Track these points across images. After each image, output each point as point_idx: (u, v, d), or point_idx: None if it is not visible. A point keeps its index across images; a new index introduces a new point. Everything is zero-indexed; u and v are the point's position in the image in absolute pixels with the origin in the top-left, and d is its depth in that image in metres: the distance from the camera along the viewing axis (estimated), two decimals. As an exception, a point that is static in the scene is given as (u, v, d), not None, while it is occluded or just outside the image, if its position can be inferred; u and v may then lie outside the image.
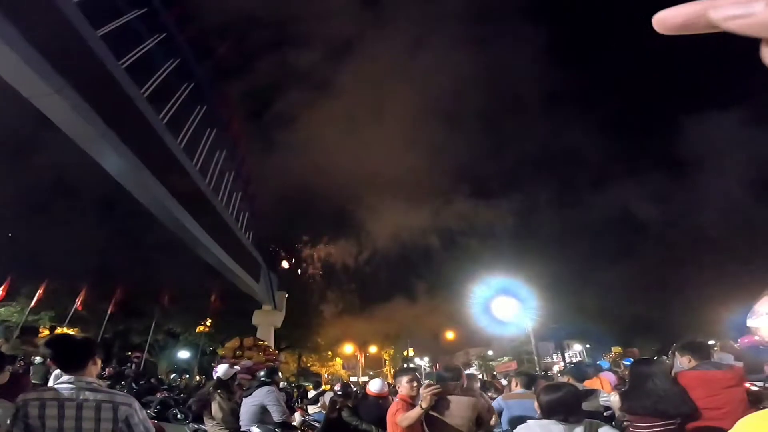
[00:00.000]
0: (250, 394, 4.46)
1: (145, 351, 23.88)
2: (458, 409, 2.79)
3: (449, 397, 2.82)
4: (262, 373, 4.73)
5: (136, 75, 17.53)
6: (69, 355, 1.80)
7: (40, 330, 22.24)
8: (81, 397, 1.64)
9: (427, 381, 2.76)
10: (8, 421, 1.56)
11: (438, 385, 2.67)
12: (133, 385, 11.72)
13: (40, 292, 21.33)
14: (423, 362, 45.15)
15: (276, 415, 4.25)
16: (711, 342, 6.99)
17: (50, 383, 2.62)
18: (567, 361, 25.64)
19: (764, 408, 0.79)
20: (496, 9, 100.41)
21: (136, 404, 1.77)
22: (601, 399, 3.64)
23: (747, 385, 2.86)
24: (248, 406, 4.37)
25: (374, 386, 4.78)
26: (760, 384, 3.45)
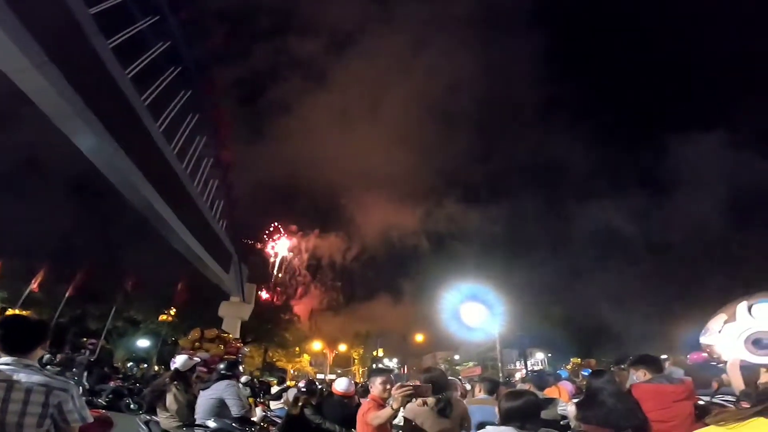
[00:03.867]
0: (208, 387, 4.34)
1: (102, 337, 22.86)
2: (458, 411, 2.87)
3: (454, 400, 2.93)
4: (222, 366, 4.59)
5: (125, 55, 17.09)
6: (20, 337, 1.71)
7: (-12, 311, 20.90)
8: (14, 378, 1.57)
9: (414, 382, 2.71)
10: None
11: (410, 387, 2.58)
12: (85, 372, 11.21)
13: (-6, 270, 20.13)
14: (392, 363, 45.36)
15: (235, 410, 4.14)
16: (664, 357, 7.33)
17: None
18: (529, 369, 26.32)
19: (708, 423, 0.81)
20: (500, 15, 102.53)
21: (74, 391, 1.69)
22: (558, 408, 3.75)
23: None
24: (205, 399, 4.24)
25: (340, 385, 4.68)
26: (707, 399, 3.64)
